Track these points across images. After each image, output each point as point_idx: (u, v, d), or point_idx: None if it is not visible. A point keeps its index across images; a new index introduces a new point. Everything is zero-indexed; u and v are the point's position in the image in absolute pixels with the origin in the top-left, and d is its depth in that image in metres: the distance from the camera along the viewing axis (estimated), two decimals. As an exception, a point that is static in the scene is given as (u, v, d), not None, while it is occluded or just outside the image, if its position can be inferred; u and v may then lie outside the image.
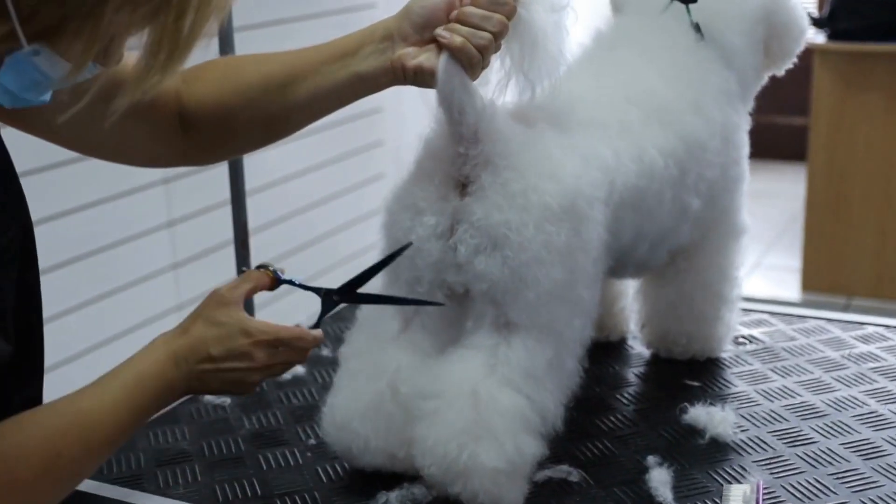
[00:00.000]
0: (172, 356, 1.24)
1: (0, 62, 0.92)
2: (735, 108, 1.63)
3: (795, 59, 1.71)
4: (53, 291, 2.44)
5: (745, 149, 1.67)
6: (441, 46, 1.27)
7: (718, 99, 1.60)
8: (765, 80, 1.72)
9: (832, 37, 4.16)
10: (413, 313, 1.37)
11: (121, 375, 1.21)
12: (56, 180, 2.29)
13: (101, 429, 1.15)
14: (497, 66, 1.31)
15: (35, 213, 1.15)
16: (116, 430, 1.17)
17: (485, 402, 1.28)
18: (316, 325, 1.35)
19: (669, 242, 1.59)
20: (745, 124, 1.67)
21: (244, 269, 1.77)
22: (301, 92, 1.34)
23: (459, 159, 1.32)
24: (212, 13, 0.94)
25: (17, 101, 0.98)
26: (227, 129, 1.37)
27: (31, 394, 1.17)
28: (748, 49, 1.65)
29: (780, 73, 1.71)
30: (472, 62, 1.27)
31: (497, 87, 1.32)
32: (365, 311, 1.41)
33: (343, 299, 1.35)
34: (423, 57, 1.29)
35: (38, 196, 1.09)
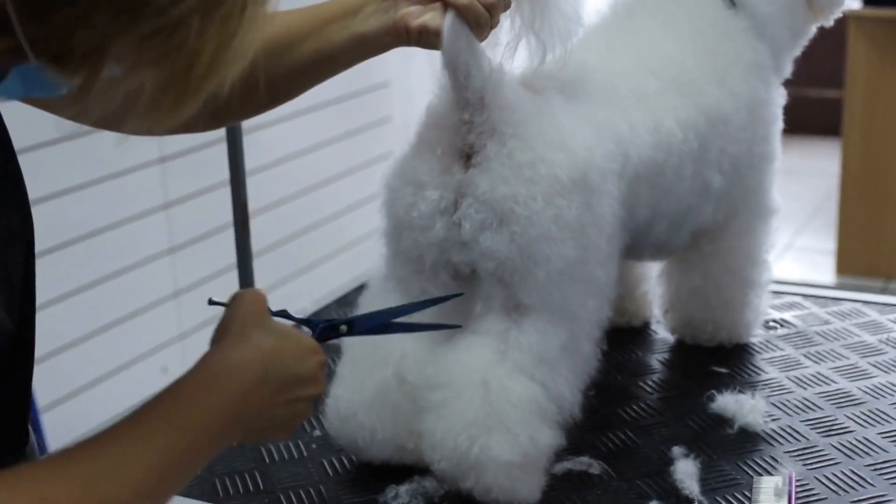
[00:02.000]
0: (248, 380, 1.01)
1: (6, 72, 0.92)
2: (765, 82, 1.62)
3: (835, 18, 1.69)
4: (43, 278, 2.45)
5: (776, 125, 1.65)
6: (447, 5, 1.26)
7: (746, 71, 1.58)
8: (807, 38, 1.69)
9: (868, 2, 4.14)
10: (418, 297, 1.37)
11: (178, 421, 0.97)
12: (45, 160, 2.29)
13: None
14: (506, 27, 1.30)
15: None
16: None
17: (496, 391, 1.28)
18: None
19: (691, 222, 1.58)
20: (776, 99, 1.64)
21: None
22: (301, 55, 1.33)
23: (464, 127, 1.31)
24: (229, 60, 0.89)
25: (29, 94, 0.98)
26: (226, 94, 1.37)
27: (19, 386, 1.16)
28: (782, 13, 1.63)
29: (829, 23, 1.68)
30: (479, 21, 1.26)
31: (506, 49, 1.31)
32: (368, 295, 1.41)
33: (352, 331, 1.17)
34: (428, 16, 1.28)
35: (27, 177, 1.08)
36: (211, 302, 1.18)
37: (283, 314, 1.15)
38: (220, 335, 1.05)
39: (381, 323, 1.18)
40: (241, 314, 1.06)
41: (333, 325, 1.15)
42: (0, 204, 1.05)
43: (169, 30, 0.84)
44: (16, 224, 1.06)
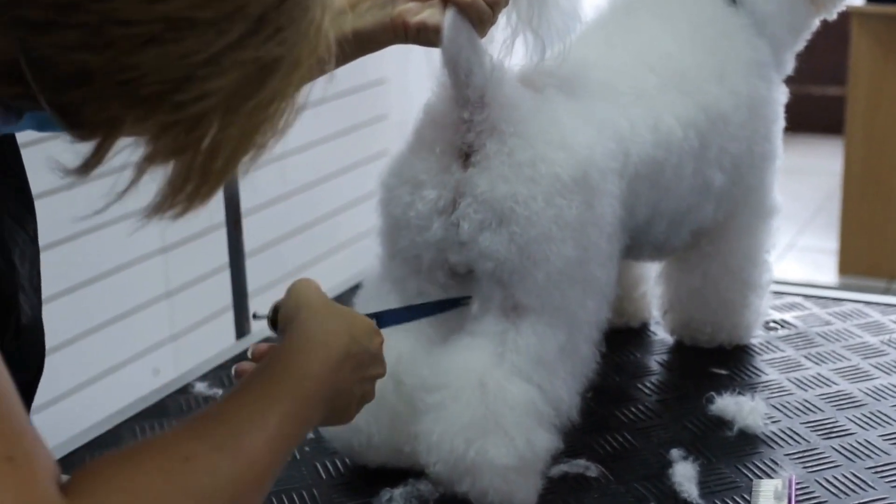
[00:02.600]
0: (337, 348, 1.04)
1: (21, 114, 0.91)
2: (765, 80, 1.62)
3: (838, 14, 1.69)
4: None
5: (777, 124, 1.65)
6: (446, 1, 1.26)
7: (746, 69, 1.59)
8: (809, 32, 1.69)
9: (872, -2, 4.15)
10: (415, 298, 1.37)
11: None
12: (36, 158, 2.29)
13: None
14: (502, 23, 1.30)
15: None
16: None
17: (493, 393, 1.28)
18: None
19: (691, 221, 1.58)
20: (777, 97, 1.65)
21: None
22: None
23: (463, 126, 1.31)
24: (249, 150, 0.87)
25: (42, 130, 0.98)
26: None
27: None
28: (782, 10, 1.64)
29: (832, 16, 1.68)
30: (481, 18, 1.26)
31: (503, 46, 1.31)
32: (363, 295, 1.41)
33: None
34: (427, 13, 1.28)
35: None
36: (255, 317, 1.22)
37: None
38: (288, 322, 1.07)
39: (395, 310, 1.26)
40: (305, 298, 1.08)
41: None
42: (27, 211, 1.06)
43: (187, 125, 0.82)
44: (33, 228, 1.07)
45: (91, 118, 0.82)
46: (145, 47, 0.78)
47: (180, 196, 0.85)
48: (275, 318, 1.16)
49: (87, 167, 0.85)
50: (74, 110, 0.82)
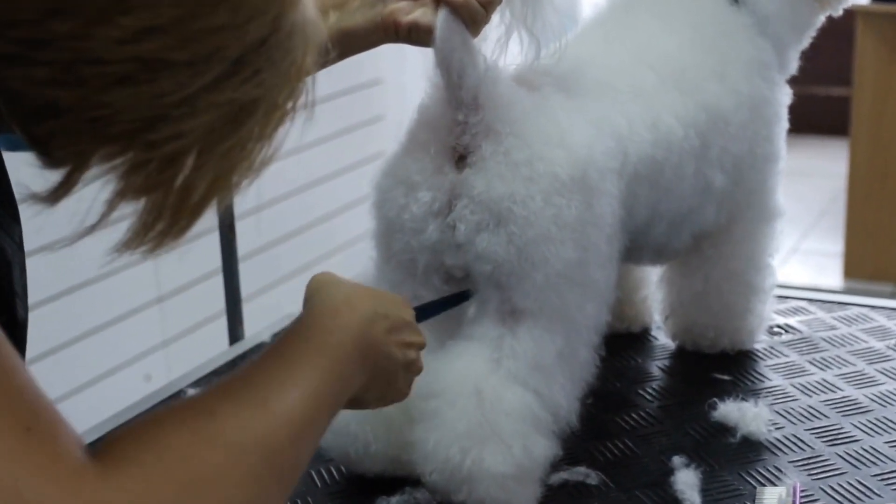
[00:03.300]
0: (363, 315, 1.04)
1: None
2: (768, 80, 1.62)
3: (843, 12, 1.69)
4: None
5: (780, 125, 1.65)
6: (439, 1, 1.26)
7: (747, 69, 1.59)
8: (814, 30, 1.69)
9: (877, -3, 4.15)
10: (411, 302, 1.37)
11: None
12: (25, 162, 2.29)
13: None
14: (496, 22, 1.30)
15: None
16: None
17: (490, 401, 1.28)
18: None
19: (692, 224, 1.58)
20: (780, 98, 1.65)
21: None
22: None
23: (458, 128, 1.31)
24: (224, 190, 0.86)
25: (16, 150, 0.98)
26: None
27: None
28: (785, 9, 1.64)
29: (837, 13, 1.68)
30: (475, 18, 1.26)
31: (497, 45, 1.31)
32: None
33: None
34: (419, 12, 1.28)
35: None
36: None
37: None
38: (307, 300, 1.07)
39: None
40: (324, 279, 1.09)
41: None
42: (13, 219, 1.06)
43: (160, 164, 0.81)
44: (18, 233, 1.07)
45: (60, 150, 0.81)
46: (117, 86, 0.77)
47: (151, 234, 0.84)
48: None
49: (54, 196, 0.84)
50: (45, 140, 0.81)
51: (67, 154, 0.82)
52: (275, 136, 0.87)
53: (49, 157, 0.83)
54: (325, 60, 1.36)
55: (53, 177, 0.84)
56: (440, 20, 1.26)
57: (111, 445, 0.82)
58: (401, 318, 1.10)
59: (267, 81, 0.82)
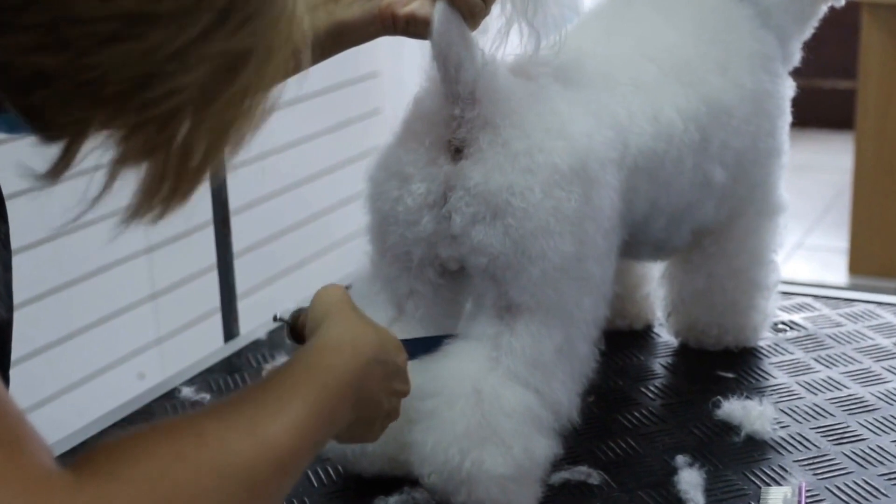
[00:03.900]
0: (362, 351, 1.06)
1: None
2: (771, 73, 1.62)
3: (843, 2, 1.68)
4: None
5: (783, 119, 1.65)
6: None
7: (750, 62, 1.59)
8: (817, 19, 1.69)
9: (882, -11, 4.15)
10: (406, 298, 1.37)
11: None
12: (13, 156, 2.28)
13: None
14: (496, 14, 1.29)
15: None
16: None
17: (489, 400, 1.28)
18: None
19: (692, 219, 1.58)
20: (783, 91, 1.64)
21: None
22: None
23: (454, 122, 1.31)
24: (225, 147, 0.86)
25: (14, 133, 0.98)
26: None
27: None
28: (788, 0, 1.64)
29: (840, 3, 1.68)
30: (473, 11, 1.26)
31: (496, 37, 1.31)
32: (353, 297, 1.40)
33: None
34: (417, 4, 1.28)
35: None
36: (276, 319, 1.24)
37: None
38: (315, 327, 1.09)
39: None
40: (334, 303, 1.10)
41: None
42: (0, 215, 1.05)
43: (158, 124, 0.81)
44: (4, 231, 1.06)
45: (55, 120, 0.81)
46: (104, 46, 0.77)
47: (156, 198, 0.84)
48: (294, 325, 1.16)
49: (55, 171, 0.83)
50: (38, 112, 0.80)
51: (64, 125, 0.81)
52: (272, 88, 0.86)
53: (46, 131, 0.82)
54: (322, 53, 1.36)
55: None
56: (437, 12, 1.25)
57: (89, 457, 0.81)
58: (395, 365, 1.11)
59: (258, 30, 0.81)
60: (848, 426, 1.49)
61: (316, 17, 1.32)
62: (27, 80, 0.78)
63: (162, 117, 0.80)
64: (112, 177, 0.83)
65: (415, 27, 1.29)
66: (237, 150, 0.87)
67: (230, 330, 2.14)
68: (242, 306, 2.28)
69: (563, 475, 1.38)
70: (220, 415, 0.90)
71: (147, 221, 0.86)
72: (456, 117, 1.30)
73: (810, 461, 1.41)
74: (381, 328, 1.12)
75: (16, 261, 2.18)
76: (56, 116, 0.81)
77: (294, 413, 0.93)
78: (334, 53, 1.36)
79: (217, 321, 2.19)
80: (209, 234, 2.42)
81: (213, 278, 2.34)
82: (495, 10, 1.29)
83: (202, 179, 0.86)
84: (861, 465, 1.40)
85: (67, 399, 2.53)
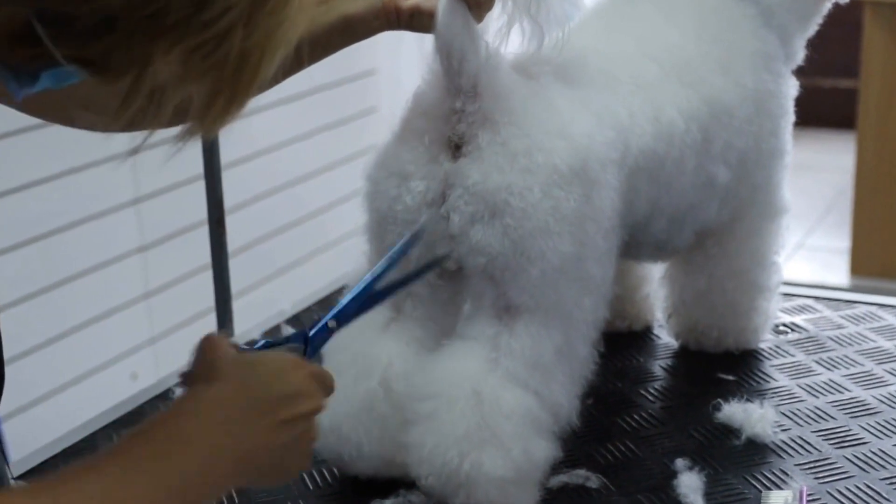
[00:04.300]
0: (217, 422, 0.98)
1: (37, 77, 0.91)
2: (773, 73, 1.62)
3: (845, 0, 1.68)
4: (2, 278, 2.44)
5: (786, 119, 1.64)
6: None
7: (752, 61, 1.59)
8: (821, 16, 1.69)
9: (885, -14, 4.15)
10: (404, 299, 1.37)
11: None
12: (3, 151, 2.28)
13: None
14: (498, 10, 1.29)
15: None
16: None
17: (488, 402, 1.28)
18: None
19: (693, 220, 1.58)
20: (786, 91, 1.64)
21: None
22: None
23: (454, 116, 1.31)
24: (275, 55, 0.89)
25: (61, 85, 0.98)
26: None
27: None
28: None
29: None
30: (478, 2, 1.26)
31: (498, 33, 1.31)
32: (349, 295, 1.40)
33: (343, 322, 1.15)
34: None
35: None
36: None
37: (268, 344, 1.12)
38: (190, 385, 1.03)
39: (368, 296, 1.16)
40: (205, 360, 1.03)
41: (322, 328, 1.13)
42: None
43: (215, 42, 0.84)
44: None
45: (119, 62, 0.83)
46: None
47: (212, 113, 0.88)
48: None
49: (123, 107, 0.86)
50: (99, 59, 0.83)
51: (127, 63, 0.84)
52: None
53: (106, 74, 0.85)
54: (326, 49, 1.36)
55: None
56: (442, 3, 1.25)
57: None
58: (281, 394, 1.01)
59: None
60: (850, 430, 1.49)
61: (320, 12, 1.32)
62: (91, 28, 0.80)
63: (220, 33, 0.83)
64: (171, 99, 0.86)
65: (420, 20, 1.29)
66: (284, 53, 0.89)
67: (224, 330, 2.14)
68: (237, 306, 2.29)
69: (562, 478, 1.37)
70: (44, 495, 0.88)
71: (204, 137, 0.90)
72: (457, 111, 1.30)
73: (811, 465, 1.41)
74: (254, 364, 1.04)
75: (6, 259, 2.18)
76: (120, 58, 0.83)
77: (144, 484, 0.91)
78: (338, 49, 1.36)
79: (211, 321, 2.20)
80: (204, 232, 2.42)
81: (207, 277, 2.34)
82: (497, 7, 1.29)
83: (255, 90, 0.89)
84: (863, 469, 1.40)
85: (59, 400, 2.52)
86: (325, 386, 1.06)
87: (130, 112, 0.86)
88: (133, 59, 0.83)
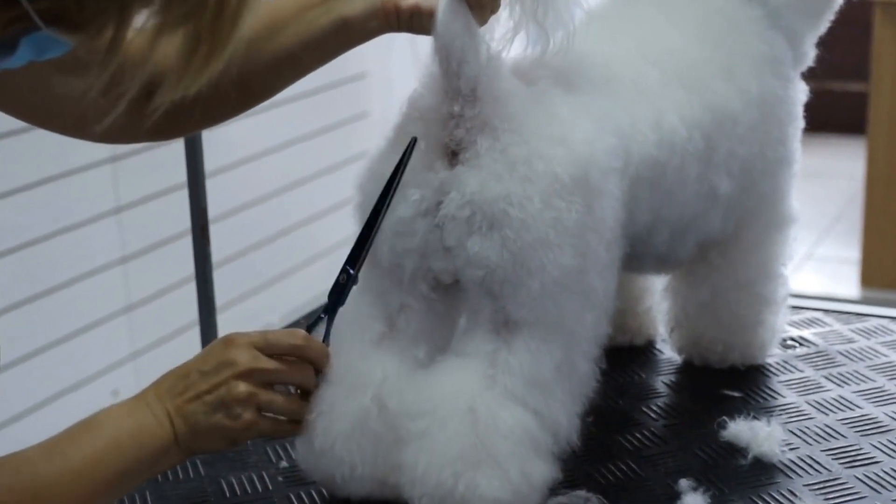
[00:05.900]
0: (146, 398, 1.28)
1: (16, 46, 0.93)
2: (780, 77, 1.62)
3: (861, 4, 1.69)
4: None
5: (794, 126, 1.64)
6: None
7: (758, 66, 1.59)
8: (832, 13, 1.69)
9: (896, -13, 4.16)
10: (397, 313, 1.37)
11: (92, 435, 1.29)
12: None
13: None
14: (504, 16, 1.30)
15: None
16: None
17: (484, 421, 1.28)
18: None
19: (696, 231, 1.58)
20: (794, 96, 1.64)
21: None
22: (280, 44, 1.34)
23: (452, 121, 1.31)
24: (251, 4, 0.93)
25: (42, 57, 1.00)
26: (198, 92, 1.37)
27: None
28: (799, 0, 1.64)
29: None
30: (480, 2, 1.26)
31: (503, 38, 1.31)
32: (340, 311, 1.41)
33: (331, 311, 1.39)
34: None
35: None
36: None
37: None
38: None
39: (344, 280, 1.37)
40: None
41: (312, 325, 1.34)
42: None
43: None
44: None
45: (96, 12, 0.87)
46: None
47: (193, 65, 0.92)
48: None
49: (106, 60, 0.89)
50: (76, 12, 0.86)
51: (105, 14, 0.88)
52: None
53: (85, 31, 0.88)
54: (324, 54, 1.37)
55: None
56: (442, 3, 1.25)
57: None
58: (215, 361, 1.28)
59: None
60: (861, 448, 1.49)
61: (316, 14, 1.32)
62: None
63: None
64: (152, 48, 0.91)
65: (419, 20, 1.30)
66: (258, 5, 0.94)
67: (209, 343, 2.14)
68: (222, 319, 2.29)
69: (561, 500, 1.37)
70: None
71: (190, 87, 0.94)
72: (455, 115, 1.30)
73: (821, 485, 1.41)
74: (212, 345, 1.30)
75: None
76: (95, 7, 0.87)
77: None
78: (336, 54, 1.37)
79: (195, 335, 2.20)
80: (187, 242, 2.42)
81: (191, 290, 2.34)
82: (503, 12, 1.29)
83: (234, 40, 0.93)
84: (875, 490, 1.40)
85: (37, 417, 2.52)
86: (312, 357, 1.32)
87: (114, 60, 0.89)
88: (109, 7, 0.86)
